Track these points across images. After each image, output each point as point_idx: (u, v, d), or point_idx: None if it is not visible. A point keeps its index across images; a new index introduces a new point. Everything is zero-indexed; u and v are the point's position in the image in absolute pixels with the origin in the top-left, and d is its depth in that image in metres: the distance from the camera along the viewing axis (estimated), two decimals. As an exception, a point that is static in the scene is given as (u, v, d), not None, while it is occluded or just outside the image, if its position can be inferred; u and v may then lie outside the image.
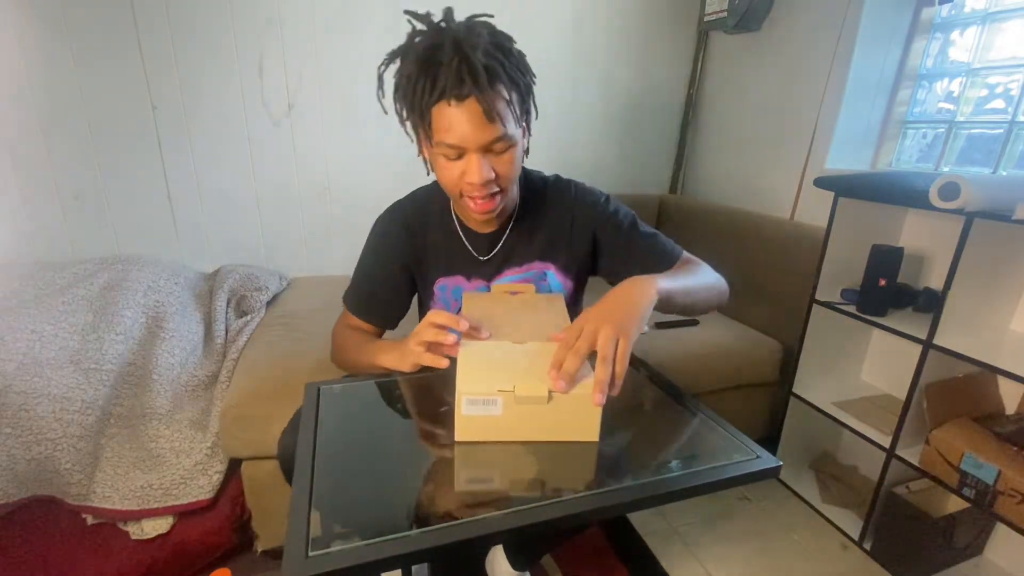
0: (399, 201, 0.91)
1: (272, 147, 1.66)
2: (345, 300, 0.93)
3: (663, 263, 0.86)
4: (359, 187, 1.76)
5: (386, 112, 0.75)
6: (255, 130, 1.62)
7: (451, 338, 0.68)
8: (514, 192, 0.83)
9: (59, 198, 1.50)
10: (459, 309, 0.83)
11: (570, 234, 0.88)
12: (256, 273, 1.61)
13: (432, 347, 0.70)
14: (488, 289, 0.89)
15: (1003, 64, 1.31)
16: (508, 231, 0.87)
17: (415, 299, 0.97)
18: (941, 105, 1.46)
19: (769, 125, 1.77)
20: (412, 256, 0.89)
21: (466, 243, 0.88)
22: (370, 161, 1.75)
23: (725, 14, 1.75)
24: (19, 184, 1.45)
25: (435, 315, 0.70)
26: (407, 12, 0.71)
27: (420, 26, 0.70)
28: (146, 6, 1.43)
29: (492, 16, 0.72)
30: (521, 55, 0.73)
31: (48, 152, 1.45)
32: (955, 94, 1.42)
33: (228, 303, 1.51)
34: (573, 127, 1.97)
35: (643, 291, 0.67)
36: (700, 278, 0.81)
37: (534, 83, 0.75)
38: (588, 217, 0.88)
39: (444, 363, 0.69)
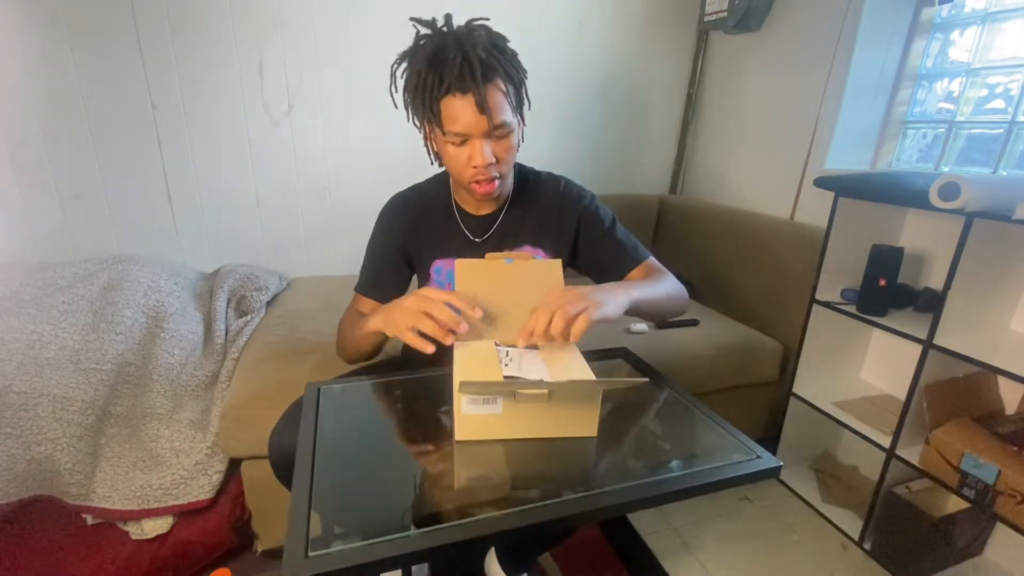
0: (403, 190, 0.99)
1: (272, 147, 1.66)
2: (357, 286, 0.98)
3: (631, 261, 0.95)
4: (359, 187, 1.76)
5: (396, 107, 0.83)
6: (255, 130, 1.62)
7: (449, 338, 0.67)
8: (510, 179, 0.91)
9: (59, 198, 1.50)
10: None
11: (558, 221, 0.95)
12: (256, 273, 1.61)
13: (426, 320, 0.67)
14: None
15: (1003, 64, 1.31)
16: (502, 214, 0.94)
17: (413, 281, 1.01)
18: (941, 105, 1.46)
19: (769, 125, 1.77)
20: (411, 237, 0.95)
21: (462, 226, 0.94)
22: (370, 161, 1.75)
23: (725, 14, 1.75)
24: (19, 184, 1.45)
25: (435, 306, 0.67)
26: (412, 19, 0.79)
27: (425, 30, 0.78)
28: (146, 6, 1.43)
29: (488, 19, 0.79)
30: (514, 53, 0.81)
31: (48, 152, 1.45)
32: (955, 94, 1.41)
33: (228, 303, 1.51)
34: (574, 127, 1.97)
35: (619, 292, 0.76)
36: (666, 288, 0.89)
37: (526, 78, 0.83)
38: (574, 208, 0.95)
39: (430, 348, 0.67)
